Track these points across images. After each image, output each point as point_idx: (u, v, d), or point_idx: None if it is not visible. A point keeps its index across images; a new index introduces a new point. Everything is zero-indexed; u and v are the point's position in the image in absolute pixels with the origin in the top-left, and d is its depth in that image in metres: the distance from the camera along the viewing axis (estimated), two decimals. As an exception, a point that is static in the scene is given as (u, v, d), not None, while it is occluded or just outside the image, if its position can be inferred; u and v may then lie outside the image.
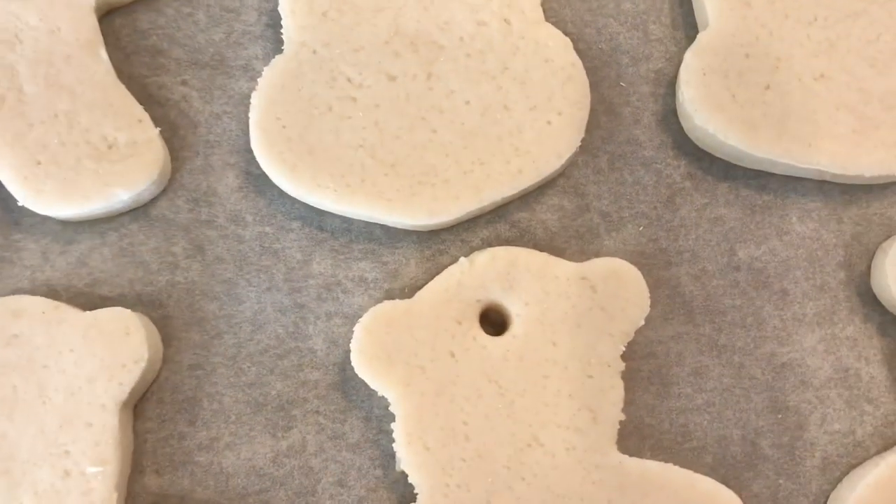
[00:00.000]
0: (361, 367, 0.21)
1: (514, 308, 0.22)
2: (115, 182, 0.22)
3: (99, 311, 0.22)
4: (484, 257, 0.22)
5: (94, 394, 0.21)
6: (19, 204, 0.22)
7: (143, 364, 0.21)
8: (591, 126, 0.23)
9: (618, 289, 0.22)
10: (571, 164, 0.23)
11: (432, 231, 0.23)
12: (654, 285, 0.22)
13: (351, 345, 0.21)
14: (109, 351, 0.21)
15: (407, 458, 0.21)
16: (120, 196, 0.22)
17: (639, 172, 0.24)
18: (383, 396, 0.22)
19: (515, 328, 0.22)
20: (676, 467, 0.22)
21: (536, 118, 0.23)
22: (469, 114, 0.22)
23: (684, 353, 0.23)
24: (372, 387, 0.21)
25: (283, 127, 0.22)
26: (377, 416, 0.22)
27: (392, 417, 0.21)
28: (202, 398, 0.22)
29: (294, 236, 0.23)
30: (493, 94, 0.22)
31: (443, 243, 0.23)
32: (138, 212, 0.23)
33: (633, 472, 0.21)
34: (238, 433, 0.22)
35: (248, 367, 0.22)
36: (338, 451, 0.22)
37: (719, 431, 0.22)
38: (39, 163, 0.22)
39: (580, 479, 0.21)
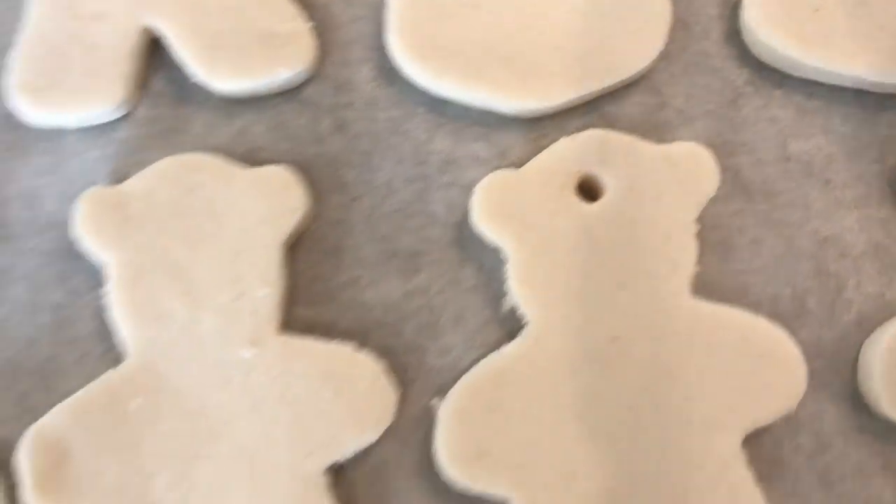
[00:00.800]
0: (481, 221, 0.25)
1: (607, 179, 0.25)
2: (278, 63, 0.25)
3: (263, 167, 0.25)
4: (582, 136, 0.25)
5: (260, 234, 0.24)
6: (192, 81, 0.26)
7: (299, 213, 0.25)
8: (669, 38, 0.27)
9: (693, 166, 0.25)
10: (652, 68, 0.27)
11: (535, 118, 0.26)
12: (719, 170, 0.26)
13: (472, 202, 0.25)
14: (272, 200, 0.24)
15: (518, 294, 0.24)
16: (281, 74, 0.25)
17: (707, 78, 0.27)
18: (494, 250, 0.25)
19: (607, 196, 0.25)
20: (739, 310, 0.25)
21: (626, 27, 0.26)
22: (572, 20, 0.26)
23: (744, 226, 0.26)
24: (488, 239, 0.25)
25: (415, 27, 0.26)
26: (488, 267, 0.25)
27: (501, 269, 0.25)
28: (344, 248, 0.25)
29: (419, 120, 0.26)
30: (591, 5, 0.26)
31: (544, 129, 0.26)
32: (289, 94, 0.26)
33: (705, 312, 0.25)
34: (374, 276, 0.25)
35: (382, 224, 0.26)
36: (456, 293, 0.25)
37: (772, 290, 0.26)
38: (215, 45, 0.26)
39: (663, 316, 0.24)
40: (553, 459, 0.23)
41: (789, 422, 0.25)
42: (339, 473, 0.24)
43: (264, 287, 0.24)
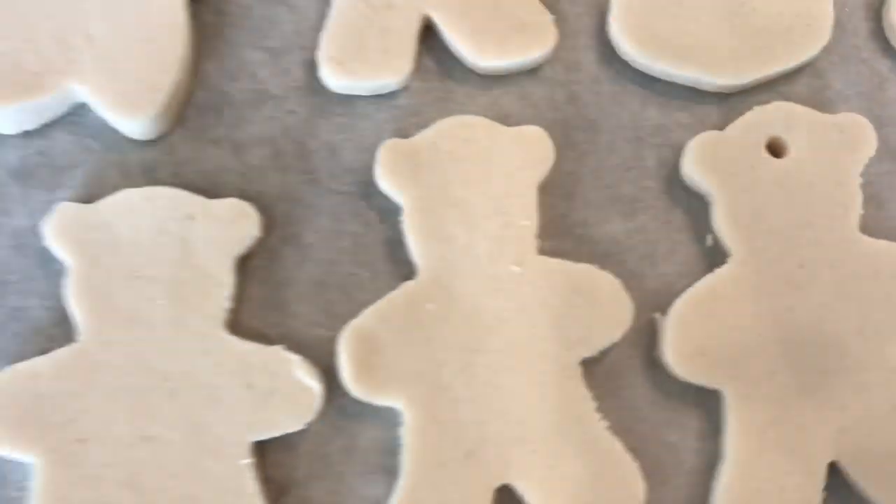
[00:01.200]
0: (692, 171, 0.30)
1: (790, 141, 0.31)
2: (530, 47, 0.31)
3: (521, 126, 0.30)
4: (771, 107, 0.31)
5: (520, 177, 0.29)
6: (456, 60, 0.31)
7: (549, 162, 0.30)
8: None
9: (857, 132, 0.31)
10: (816, 58, 0.32)
11: (727, 94, 0.32)
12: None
13: (684, 156, 0.30)
14: (529, 151, 0.30)
15: (723, 230, 0.29)
16: (533, 55, 0.31)
17: (858, 67, 0.33)
18: (699, 197, 0.31)
19: (791, 154, 0.31)
20: None
21: (801, 23, 0.32)
22: (761, 16, 0.31)
23: (892, 184, 0.32)
24: (697, 185, 0.30)
25: (633, 18, 0.32)
26: (693, 210, 0.31)
27: (705, 211, 0.30)
28: (576, 193, 0.31)
29: (634, 94, 0.32)
30: (774, 6, 0.32)
31: (734, 102, 0.31)
32: (531, 73, 0.32)
33: (872, 245, 0.29)
34: (601, 217, 0.31)
35: (606, 175, 0.31)
36: (668, 231, 0.31)
37: None
38: (480, 31, 0.31)
39: (840, 247, 0.29)
40: (757, 358, 0.29)
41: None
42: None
43: (525, 219, 0.30)
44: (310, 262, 0.30)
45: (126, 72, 0.30)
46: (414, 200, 0.30)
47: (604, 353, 0.30)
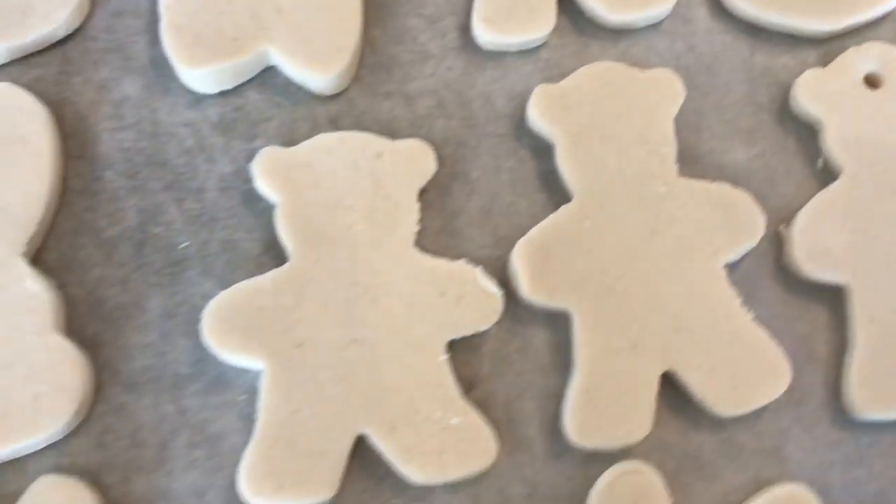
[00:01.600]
0: (803, 101, 0.34)
1: (884, 74, 0.35)
2: (654, 4, 0.35)
3: (652, 69, 0.34)
4: (865, 45, 0.35)
5: (657, 111, 0.33)
6: (597, 13, 0.35)
7: (680, 99, 0.34)
8: None
9: None
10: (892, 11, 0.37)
11: (823, 39, 0.36)
12: None
13: (794, 89, 0.34)
14: (663, 89, 0.33)
15: (833, 150, 0.33)
16: (658, 9, 0.35)
17: None
18: (809, 126, 0.34)
19: (885, 86, 0.35)
20: None
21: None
22: None
23: None
24: (809, 114, 0.34)
25: None
26: (804, 138, 0.34)
27: (815, 139, 0.34)
28: (703, 127, 0.34)
29: (742, 42, 0.35)
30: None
31: (829, 45, 0.36)
32: (653, 27, 0.35)
33: None
34: (726, 147, 0.34)
35: (726, 111, 0.34)
36: (784, 156, 0.34)
37: None
38: None
39: None
40: (875, 253, 0.32)
41: None
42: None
43: (665, 147, 0.34)
44: (476, 195, 0.34)
45: (314, 36, 0.34)
46: (567, 136, 0.34)
47: (739, 262, 0.34)
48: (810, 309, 0.34)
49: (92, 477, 0.30)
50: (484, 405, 0.31)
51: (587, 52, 0.36)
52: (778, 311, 0.33)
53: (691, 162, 0.35)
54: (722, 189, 0.33)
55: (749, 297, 0.33)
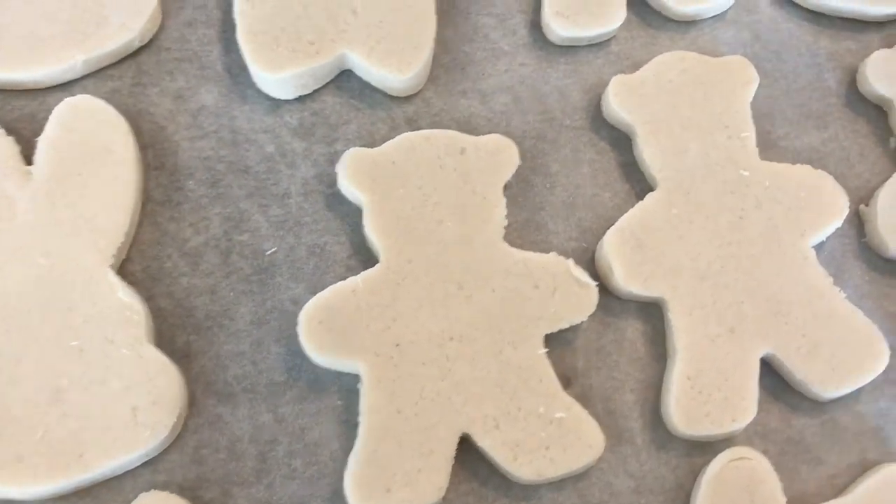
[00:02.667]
0: (872, 82, 0.33)
1: None
2: None
3: (725, 57, 0.33)
4: None
5: (735, 94, 0.32)
6: (655, 10, 0.34)
7: (755, 85, 0.32)
8: None
9: None
10: None
11: (882, 23, 0.35)
12: None
13: (861, 72, 0.33)
14: (733, 76, 0.32)
15: None
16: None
17: None
18: (876, 107, 0.33)
19: None
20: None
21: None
22: None
23: None
24: (875, 95, 0.33)
25: None
26: (873, 118, 0.33)
27: (882, 116, 0.33)
28: (774, 112, 0.33)
29: (806, 29, 0.34)
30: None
31: (889, 29, 0.35)
32: (718, 17, 0.34)
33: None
34: (798, 131, 0.33)
35: (795, 96, 0.33)
36: (855, 138, 0.33)
37: None
38: None
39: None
40: None
41: None
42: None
43: (745, 131, 0.32)
44: (558, 187, 0.33)
45: (390, 36, 0.32)
46: (646, 125, 0.32)
47: (823, 244, 0.32)
48: (899, 285, 0.34)
49: (190, 493, 0.28)
50: (582, 400, 0.30)
51: (656, 44, 0.35)
52: (865, 291, 0.32)
53: (767, 147, 0.34)
54: (803, 171, 0.32)
55: (836, 279, 0.31)
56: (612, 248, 0.31)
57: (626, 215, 0.31)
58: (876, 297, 0.32)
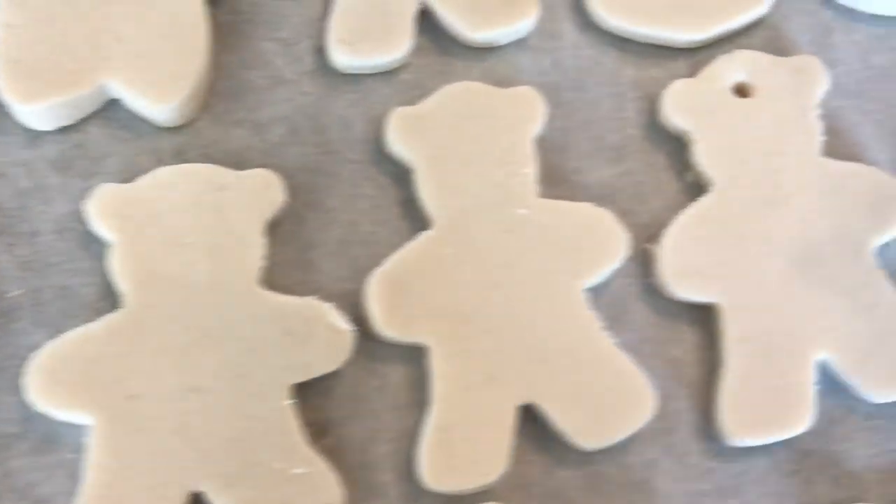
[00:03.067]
0: (671, 114, 0.31)
1: (754, 82, 0.31)
2: (515, 18, 0.31)
3: (511, 88, 0.30)
4: (735, 53, 0.32)
5: (516, 129, 0.30)
6: (451, 37, 0.32)
7: (540, 119, 0.30)
8: None
9: (808, 68, 0.31)
10: (767, 14, 0.33)
11: (693, 49, 0.33)
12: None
13: (661, 102, 0.31)
14: (521, 109, 0.30)
15: (703, 163, 0.30)
16: (520, 25, 0.31)
17: (805, 18, 0.33)
18: (678, 138, 0.31)
19: (756, 94, 0.31)
20: (862, 165, 0.31)
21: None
22: None
23: (844, 115, 0.32)
24: (677, 127, 0.31)
25: None
26: (674, 152, 0.31)
27: (684, 151, 0.31)
28: (569, 145, 0.31)
29: (611, 56, 0.32)
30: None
31: (699, 56, 0.32)
32: (518, 43, 0.32)
33: (836, 167, 0.31)
34: (592, 165, 0.31)
35: (594, 127, 0.31)
36: (652, 172, 0.31)
37: (872, 157, 0.32)
38: (471, 8, 0.31)
39: (807, 172, 0.30)
40: (745, 271, 0.29)
41: None
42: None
43: (525, 168, 0.30)
44: (333, 224, 0.31)
45: (154, 65, 0.30)
46: (425, 159, 0.30)
47: (606, 284, 0.30)
48: (681, 330, 0.30)
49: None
50: (337, 451, 0.28)
51: (450, 72, 0.33)
52: (648, 335, 0.30)
53: (557, 182, 0.31)
54: (583, 208, 0.30)
55: (617, 321, 0.30)
56: (372, 291, 0.29)
57: (393, 256, 0.29)
58: (659, 341, 0.30)
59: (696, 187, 0.32)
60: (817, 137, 0.32)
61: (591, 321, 0.29)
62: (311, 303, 0.28)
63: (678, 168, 0.32)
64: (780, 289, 0.30)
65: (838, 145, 0.33)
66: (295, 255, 0.30)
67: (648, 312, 0.30)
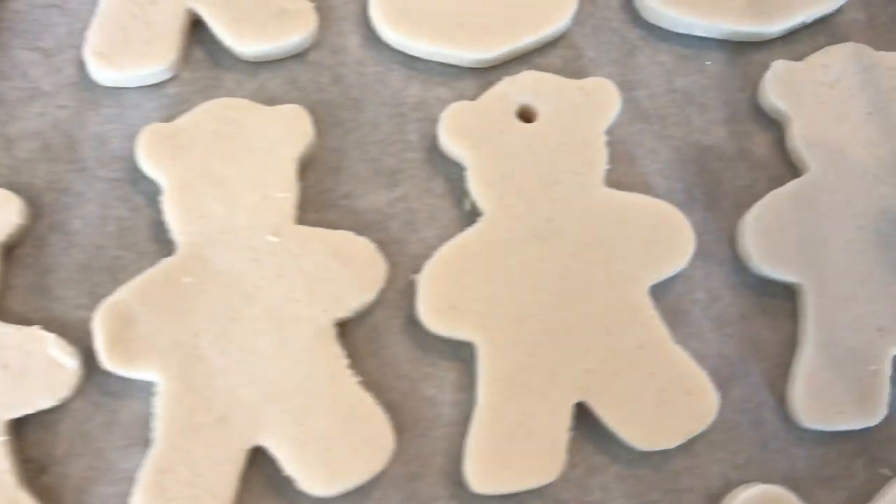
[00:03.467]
0: (447, 140, 0.29)
1: (539, 106, 0.30)
2: (289, 31, 0.29)
3: (281, 105, 0.29)
4: (520, 76, 0.30)
5: (280, 151, 0.28)
6: (223, 49, 0.30)
7: (308, 137, 0.29)
8: (579, 9, 0.31)
9: (602, 93, 0.29)
10: (568, 30, 0.32)
11: (484, 69, 0.31)
12: (623, 101, 0.30)
13: (439, 126, 0.29)
14: (288, 127, 0.29)
15: (476, 192, 0.28)
16: (292, 40, 0.30)
17: (610, 36, 0.32)
18: (456, 165, 0.30)
19: (540, 118, 0.30)
20: (647, 196, 0.29)
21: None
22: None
23: (643, 141, 0.31)
24: (452, 153, 0.29)
25: (391, 3, 0.31)
26: (452, 178, 0.30)
27: (462, 177, 0.29)
28: (342, 168, 0.30)
29: (396, 73, 0.31)
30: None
31: (491, 76, 0.31)
32: (297, 57, 0.30)
33: (616, 197, 0.28)
34: (365, 189, 0.30)
35: (370, 149, 0.30)
36: (428, 199, 0.30)
37: (667, 185, 0.30)
38: (241, 20, 0.30)
39: (585, 201, 0.28)
40: (506, 308, 0.28)
41: (686, 280, 0.29)
42: (344, 332, 0.27)
43: (283, 191, 0.28)
44: (75, 248, 0.29)
45: None
46: (173, 180, 0.28)
47: (365, 315, 0.29)
48: (440, 368, 0.28)
49: None
50: (55, 491, 0.26)
51: (219, 87, 0.31)
52: (404, 372, 0.28)
53: (325, 207, 0.30)
54: (341, 237, 0.28)
55: (373, 356, 0.28)
56: (99, 320, 0.26)
57: (126, 285, 0.27)
58: (414, 378, 0.28)
59: (473, 216, 0.29)
60: (601, 166, 0.29)
61: (335, 358, 0.27)
62: (34, 333, 0.26)
63: (457, 195, 0.30)
64: (543, 327, 0.27)
65: (632, 173, 0.31)
66: (32, 279, 0.28)
67: (408, 347, 0.28)
